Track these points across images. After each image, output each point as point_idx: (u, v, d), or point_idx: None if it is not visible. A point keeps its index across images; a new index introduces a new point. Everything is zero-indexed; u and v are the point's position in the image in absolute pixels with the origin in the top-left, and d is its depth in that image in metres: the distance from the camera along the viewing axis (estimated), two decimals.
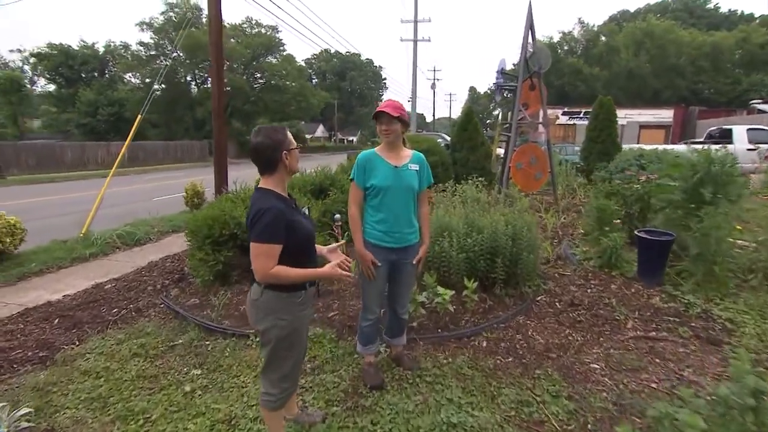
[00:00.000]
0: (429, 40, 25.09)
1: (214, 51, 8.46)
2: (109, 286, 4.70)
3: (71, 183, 17.68)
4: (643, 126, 28.78)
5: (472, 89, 73.20)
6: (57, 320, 3.81)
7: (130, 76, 35.79)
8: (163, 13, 33.38)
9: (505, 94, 9.62)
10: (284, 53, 36.16)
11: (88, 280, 4.97)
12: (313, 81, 58.77)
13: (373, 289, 2.45)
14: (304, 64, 47.13)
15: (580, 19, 66.45)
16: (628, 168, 7.66)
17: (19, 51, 41.73)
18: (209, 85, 34.24)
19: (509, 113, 9.10)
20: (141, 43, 34.46)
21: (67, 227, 7.17)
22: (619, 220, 4.64)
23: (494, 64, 8.67)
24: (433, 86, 46.91)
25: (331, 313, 3.59)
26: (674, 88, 38.58)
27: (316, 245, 2.03)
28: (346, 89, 59.31)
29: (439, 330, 3.20)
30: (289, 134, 1.79)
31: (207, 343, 3.28)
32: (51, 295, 4.50)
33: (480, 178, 6.77)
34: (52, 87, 38.93)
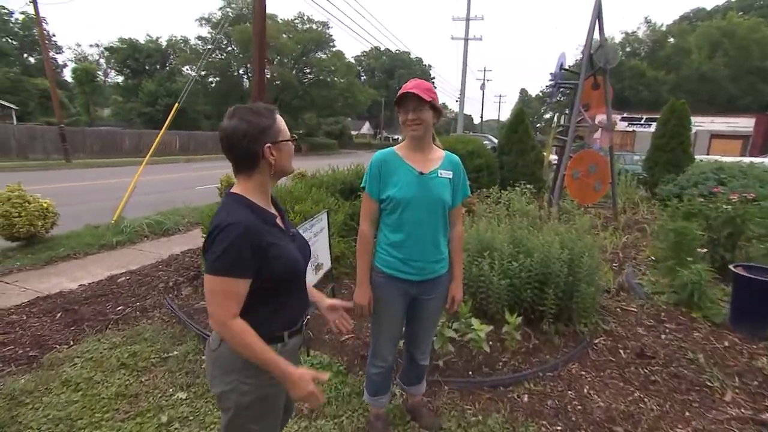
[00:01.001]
0: (480, 39, 23.87)
1: (257, 42, 8.31)
2: (123, 279, 4.48)
3: (127, 168, 18.49)
4: (715, 135, 26.10)
5: (523, 91, 70.52)
6: (60, 314, 3.59)
7: (187, 69, 37.27)
8: (221, 8, 34.47)
9: (559, 98, 8.75)
10: (333, 49, 36.26)
11: (107, 270, 4.80)
12: (362, 78, 58.86)
13: (384, 331, 1.91)
14: (353, 61, 47.20)
15: (646, 18, 61.98)
16: (703, 182, 6.64)
17: (97, 45, 44.87)
18: None
19: (564, 116, 8.23)
20: (199, 38, 35.84)
21: (109, 212, 7.16)
22: (703, 248, 3.80)
23: (548, 67, 7.67)
24: (482, 87, 45.28)
25: (345, 336, 3.10)
26: (756, 93, 34.67)
27: (313, 288, 1.56)
28: (394, 87, 58.89)
29: (470, 373, 2.62)
30: (280, 120, 1.26)
31: (203, 357, 2.90)
32: (69, 283, 4.34)
33: (529, 186, 6.05)
34: (120, 78, 41.55)
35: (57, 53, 49.17)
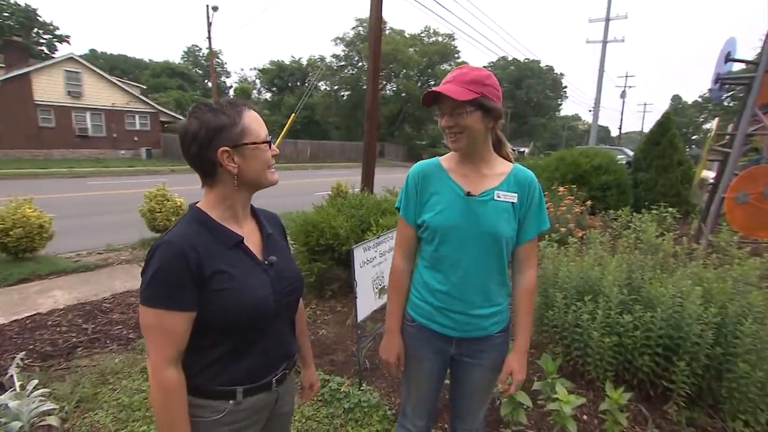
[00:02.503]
0: (622, 41, 20.86)
1: (372, 56, 8.44)
2: None
3: None
4: None
5: (676, 98, 60.34)
6: None
7: (322, 84, 40.86)
8: (353, 28, 36.97)
9: (725, 100, 6.94)
10: (459, 60, 35.89)
11: (97, 288, 4.72)
12: None
13: (413, 394, 1.49)
14: None
15: None
16: None
17: (255, 68, 52.62)
18: (386, 92, 36.91)
19: (730, 124, 6.48)
20: (334, 56, 38.96)
21: None
22: None
23: (709, 68, 6.09)
24: (622, 94, 39.80)
25: None
26: None
27: (307, 342, 1.31)
28: (521, 98, 55.95)
29: None
30: (250, 118, 0.99)
31: None
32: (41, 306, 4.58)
33: (670, 209, 4.84)
34: (268, 95, 47.83)
35: (226, 77, 59.27)
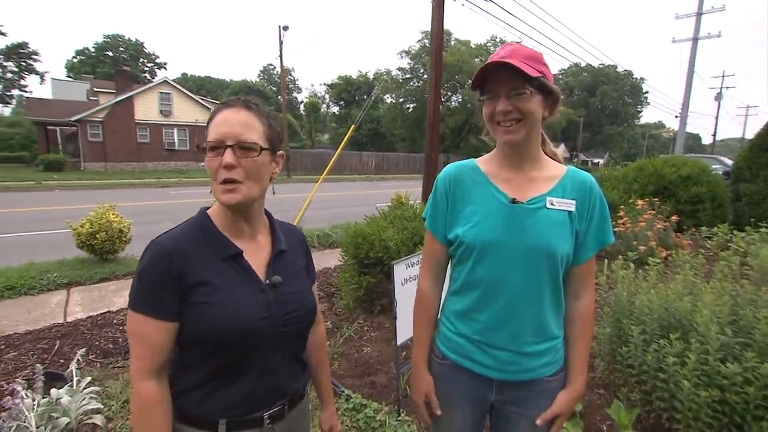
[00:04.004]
0: (718, 36, 18.46)
1: (433, 67, 8.29)
2: None
3: (330, 183, 21.45)
4: None
5: None
6: None
7: (388, 97, 41.52)
8: (419, 41, 37.23)
9: None
10: None
11: None
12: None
13: None
14: None
15: None
16: None
17: (324, 84, 55.16)
18: (452, 103, 36.61)
19: None
20: (399, 69, 39.48)
21: (311, 221, 8.17)
22: None
23: None
24: (718, 97, 35.35)
25: None
26: None
27: (327, 382, 1.18)
28: (595, 105, 52.50)
29: None
30: (218, 116, 0.88)
31: None
32: (115, 304, 4.82)
33: None
34: (336, 109, 49.69)
35: (297, 93, 62.89)
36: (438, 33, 8.15)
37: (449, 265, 1.20)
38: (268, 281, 0.93)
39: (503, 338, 1.06)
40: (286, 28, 21.49)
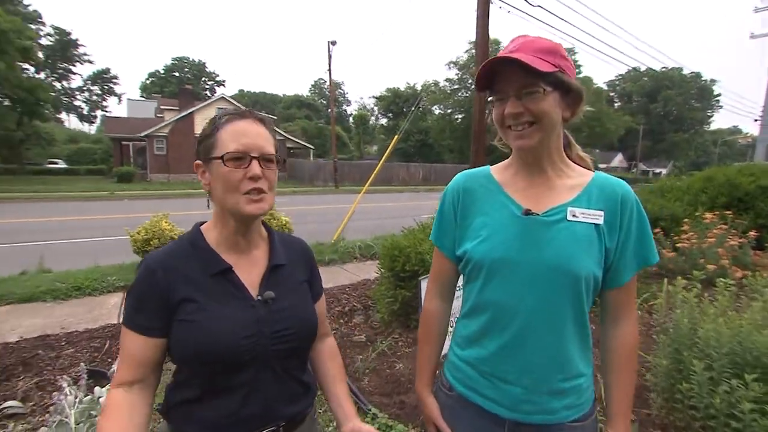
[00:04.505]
0: None
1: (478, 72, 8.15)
2: None
3: (376, 195, 21.64)
4: None
5: None
6: None
7: (436, 108, 41.39)
8: (466, 51, 36.87)
9: None
10: (580, 76, 33.10)
11: None
12: (614, 104, 51.52)
13: None
14: (605, 87, 41.93)
15: None
16: None
17: (373, 97, 56.24)
18: None
19: None
20: (447, 79, 39.28)
21: (354, 232, 8.27)
22: None
23: None
24: None
25: None
26: None
27: (345, 397, 1.04)
28: (657, 112, 49.10)
29: None
30: (229, 127, 0.86)
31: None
32: None
33: None
34: (384, 120, 50.39)
35: (347, 106, 64.59)
36: (483, 41, 7.99)
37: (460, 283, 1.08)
38: (259, 297, 0.89)
39: (515, 371, 0.92)
40: (334, 43, 22.20)
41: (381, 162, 8.00)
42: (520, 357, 0.92)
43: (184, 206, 13.63)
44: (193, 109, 26.27)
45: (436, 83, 40.78)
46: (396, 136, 7.95)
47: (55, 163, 34.32)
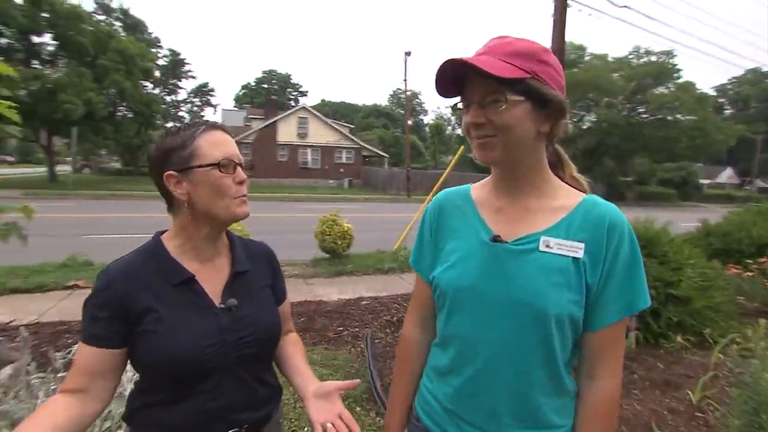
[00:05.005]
0: None
1: None
2: (365, 302, 4.93)
3: None
4: None
5: None
6: (302, 320, 4.25)
7: None
8: None
9: None
10: (679, 81, 29.62)
11: (365, 291, 5.47)
12: (724, 112, 45.50)
13: None
14: (711, 92, 37.15)
15: None
16: None
17: (449, 107, 56.00)
18: (584, 123, 33.35)
19: None
20: None
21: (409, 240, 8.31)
22: None
23: None
24: None
25: None
26: None
27: (303, 366, 1.03)
28: None
29: None
30: (204, 137, 0.88)
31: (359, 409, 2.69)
32: (334, 295, 5.21)
33: None
34: (460, 130, 49.96)
35: (424, 115, 64.91)
36: (560, 46, 7.58)
37: None
38: (222, 305, 0.91)
39: (479, 414, 0.84)
40: (408, 54, 22.57)
41: (446, 172, 7.91)
42: (483, 400, 0.84)
43: (258, 209, 14.64)
44: (277, 117, 28.32)
45: None
46: (461, 147, 7.81)
47: None
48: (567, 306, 0.77)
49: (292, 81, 61.50)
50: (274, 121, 28.17)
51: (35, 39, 21.78)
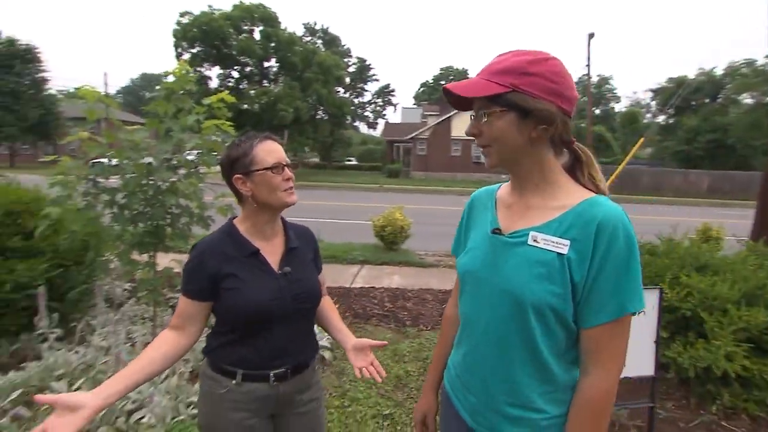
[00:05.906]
0: None
1: None
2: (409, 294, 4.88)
3: (639, 205, 18.35)
4: None
5: None
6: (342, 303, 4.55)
7: (745, 97, 31.19)
8: None
9: None
10: None
11: (414, 279, 5.52)
12: None
13: None
14: None
15: None
16: None
17: (650, 90, 46.87)
18: None
19: None
20: None
21: None
22: None
23: None
24: None
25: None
26: None
27: (342, 326, 1.38)
28: None
29: None
30: (261, 148, 1.16)
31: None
32: (385, 282, 5.35)
33: None
34: (662, 118, 41.52)
35: (616, 103, 56.39)
36: None
37: None
38: (281, 271, 1.21)
39: (476, 382, 0.97)
40: (592, 35, 20.03)
41: (620, 167, 7.02)
42: (477, 369, 0.97)
43: (429, 201, 15.44)
44: (451, 113, 28.99)
45: (750, 62, 30.70)
46: (641, 139, 6.79)
47: (350, 161, 44.92)
48: (545, 297, 0.83)
49: (468, 76, 61.64)
50: (448, 117, 28.94)
51: (265, 64, 28.42)
